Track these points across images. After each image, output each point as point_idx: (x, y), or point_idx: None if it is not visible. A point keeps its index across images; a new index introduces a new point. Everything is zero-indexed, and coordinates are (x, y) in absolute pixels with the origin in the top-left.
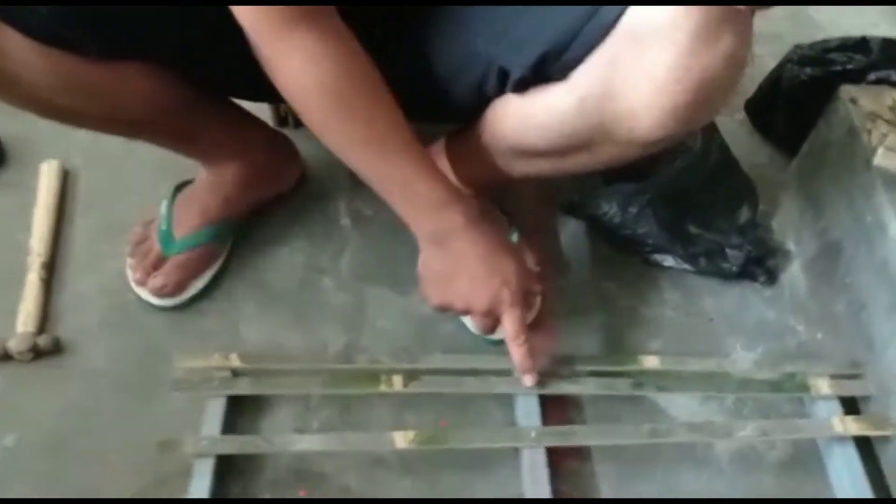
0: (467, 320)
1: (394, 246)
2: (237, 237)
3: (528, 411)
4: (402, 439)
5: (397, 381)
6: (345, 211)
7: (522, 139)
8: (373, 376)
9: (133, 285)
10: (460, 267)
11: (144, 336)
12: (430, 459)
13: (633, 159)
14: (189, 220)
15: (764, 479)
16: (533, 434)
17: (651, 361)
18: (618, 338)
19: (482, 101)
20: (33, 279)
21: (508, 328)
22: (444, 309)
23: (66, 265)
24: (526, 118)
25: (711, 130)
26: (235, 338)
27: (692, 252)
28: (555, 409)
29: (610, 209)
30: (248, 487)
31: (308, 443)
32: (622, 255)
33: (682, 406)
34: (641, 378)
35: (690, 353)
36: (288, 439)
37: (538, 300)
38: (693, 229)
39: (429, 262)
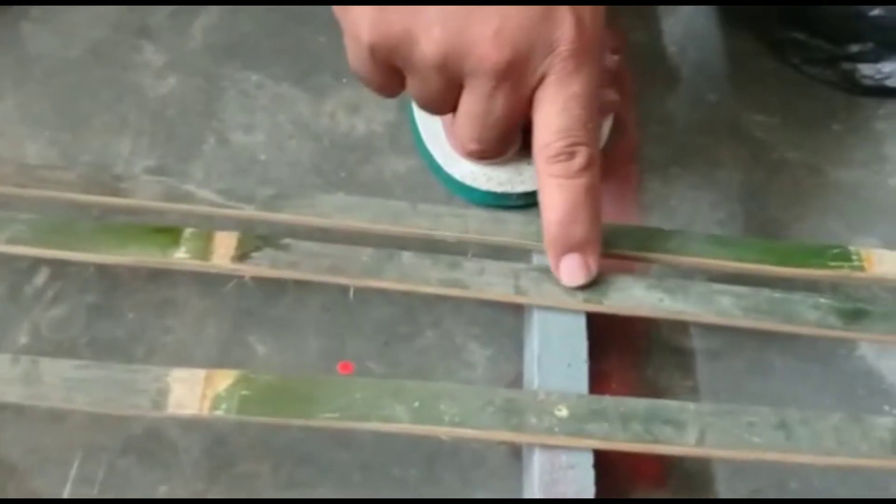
0: (435, 132)
1: (307, 9)
2: None
3: (555, 353)
4: (195, 391)
5: (224, 243)
6: None
7: None
8: (167, 230)
9: None
10: None
11: None
12: (282, 448)
13: None
14: None
15: None
16: (563, 411)
17: (886, 262)
18: (779, 223)
19: None
20: None
21: (558, 123)
22: (382, 53)
23: None
24: None
25: None
26: None
27: None
28: (622, 354)
29: None
30: None
31: None
32: (793, 54)
33: None
34: (856, 300)
35: None
36: None
37: (609, 120)
38: None
39: None
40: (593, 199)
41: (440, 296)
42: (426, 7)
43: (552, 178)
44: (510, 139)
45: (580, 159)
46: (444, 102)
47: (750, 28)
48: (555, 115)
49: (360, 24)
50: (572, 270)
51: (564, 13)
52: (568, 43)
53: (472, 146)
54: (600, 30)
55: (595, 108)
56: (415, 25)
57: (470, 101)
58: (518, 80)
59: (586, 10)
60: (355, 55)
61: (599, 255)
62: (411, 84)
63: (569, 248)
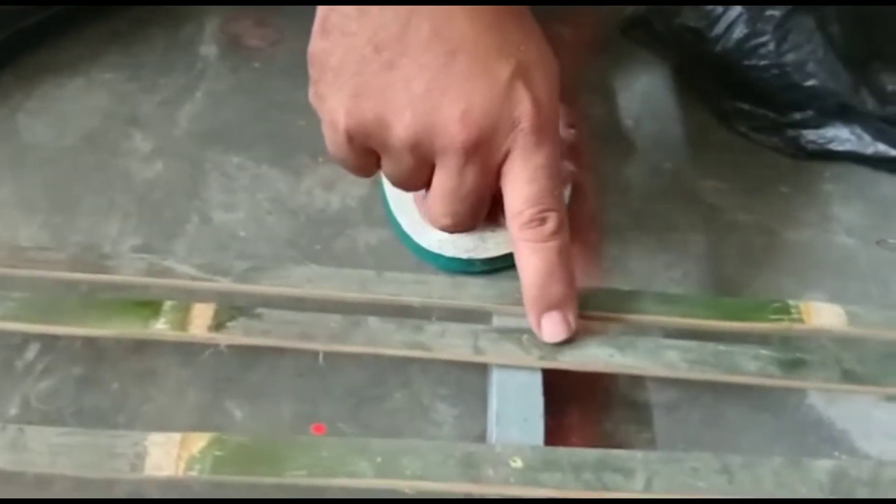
0: (404, 204)
1: (287, 96)
2: None
3: (512, 409)
4: (171, 453)
5: (201, 314)
6: (212, 34)
7: None
8: (148, 304)
9: None
10: (416, 26)
11: None
12: None
13: None
14: None
15: None
16: (518, 462)
17: (824, 314)
18: (733, 281)
19: None
20: None
21: (527, 192)
22: (359, 138)
23: None
24: None
25: None
26: None
27: (892, 115)
28: (578, 409)
29: (720, 20)
30: None
31: None
32: (741, 123)
33: (876, 424)
34: (800, 350)
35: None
36: None
37: (568, 189)
38: (891, 81)
39: (343, 18)
40: (566, 259)
41: (408, 358)
42: (396, 93)
43: (526, 243)
44: (480, 212)
45: (551, 224)
46: (417, 180)
47: (701, 101)
48: (524, 185)
49: (337, 112)
50: (553, 328)
51: (523, 93)
52: (528, 120)
53: (446, 220)
54: (556, 106)
55: (559, 177)
56: (387, 111)
57: (442, 178)
58: (486, 155)
59: (542, 90)
60: (333, 141)
61: (577, 311)
62: (386, 164)
63: (548, 307)
